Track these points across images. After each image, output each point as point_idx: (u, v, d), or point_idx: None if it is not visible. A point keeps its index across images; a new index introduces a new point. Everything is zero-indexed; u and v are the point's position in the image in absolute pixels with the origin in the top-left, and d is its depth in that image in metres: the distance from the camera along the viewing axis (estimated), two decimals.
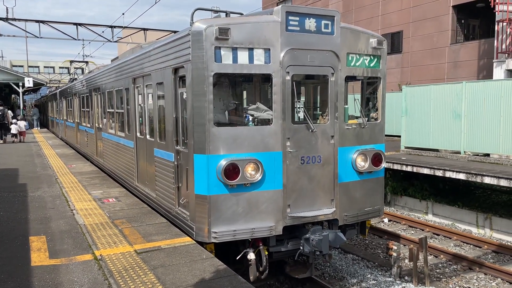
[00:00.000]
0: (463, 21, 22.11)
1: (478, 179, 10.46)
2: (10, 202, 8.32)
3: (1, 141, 21.35)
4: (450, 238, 10.61)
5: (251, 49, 5.77)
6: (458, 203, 12.16)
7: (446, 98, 13.19)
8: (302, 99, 7.49)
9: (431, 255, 9.38)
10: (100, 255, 5.43)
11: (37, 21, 24.91)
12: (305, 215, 6.21)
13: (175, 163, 6.64)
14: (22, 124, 22.50)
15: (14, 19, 24.24)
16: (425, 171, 11.74)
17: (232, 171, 5.69)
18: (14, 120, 22.58)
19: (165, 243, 5.84)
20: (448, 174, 11.14)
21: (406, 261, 9.02)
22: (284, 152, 6.02)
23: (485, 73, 19.97)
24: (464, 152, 12.87)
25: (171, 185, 6.82)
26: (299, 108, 6.47)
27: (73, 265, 5.11)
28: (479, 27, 22.94)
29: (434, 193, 12.81)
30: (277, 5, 5.98)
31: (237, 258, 6.15)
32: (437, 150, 13.86)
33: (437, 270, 8.81)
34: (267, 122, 6.11)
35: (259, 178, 5.82)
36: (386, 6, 25.34)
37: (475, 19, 22.57)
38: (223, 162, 5.67)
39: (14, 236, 6.25)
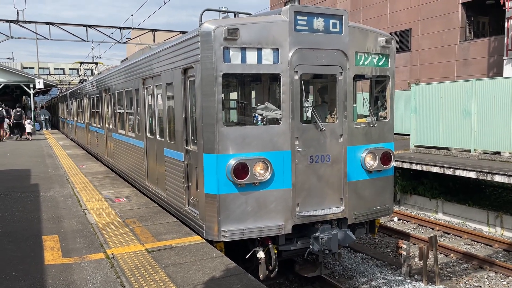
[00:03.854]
0: (472, 19, 21.93)
1: (489, 177, 10.39)
2: (23, 202, 8.45)
3: (17, 138, 24.15)
4: (460, 237, 10.55)
5: (259, 49, 5.80)
6: (469, 202, 12.08)
7: (456, 96, 13.11)
8: (311, 98, 7.51)
9: (441, 254, 9.34)
10: (112, 253, 5.50)
11: (47, 23, 25.18)
12: (314, 214, 6.23)
13: (185, 162, 6.69)
14: (31, 124, 24.99)
15: (25, 22, 24.52)
16: (435, 169, 11.68)
17: (241, 170, 5.73)
18: (28, 121, 24.61)
19: (176, 242, 5.90)
20: (458, 173, 11.07)
21: (416, 260, 8.99)
22: (293, 151, 6.05)
23: (495, 71, 19.78)
24: (475, 150, 12.78)
25: (181, 184, 6.88)
26: (307, 107, 6.49)
27: (86, 264, 5.19)
28: (488, 24, 22.73)
29: (444, 192, 12.74)
30: (285, 5, 6.00)
31: (247, 256, 6.19)
32: (447, 149, 13.77)
33: (447, 269, 8.77)
34: (275, 121, 6.14)
35: (268, 177, 5.85)
36: (394, 4, 25.21)
37: (484, 16, 22.37)
38: (232, 162, 5.71)
39: (27, 235, 6.36)
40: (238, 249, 6.30)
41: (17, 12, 23.90)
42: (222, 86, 5.76)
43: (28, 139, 23.70)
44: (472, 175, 10.75)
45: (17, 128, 24.47)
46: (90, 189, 9.70)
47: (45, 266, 5.14)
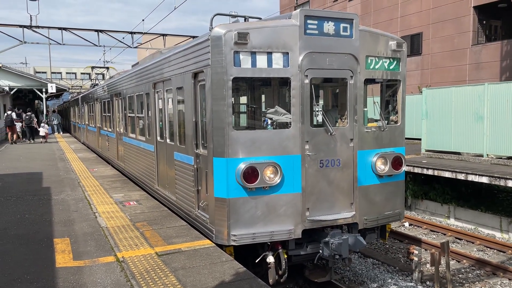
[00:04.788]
0: (484, 22, 21.73)
1: (502, 183, 10.24)
2: (35, 205, 8.54)
3: (28, 141, 24.76)
4: (473, 243, 10.40)
5: (269, 53, 5.80)
6: (481, 207, 11.92)
7: (468, 100, 12.97)
8: (321, 102, 7.49)
9: (453, 260, 9.21)
10: (122, 257, 5.52)
11: (59, 28, 25.49)
12: (324, 218, 6.19)
13: (195, 166, 6.71)
14: (45, 127, 25.85)
15: (38, 27, 24.85)
16: (447, 174, 11.56)
17: (251, 174, 5.72)
18: (42, 124, 25.54)
19: (186, 246, 5.91)
20: (471, 178, 10.93)
21: (428, 266, 8.88)
22: (303, 156, 6.02)
23: (508, 75, 19.56)
24: (487, 155, 12.61)
25: (191, 188, 6.89)
26: (317, 111, 6.47)
27: (96, 267, 5.21)
28: (501, 28, 22.51)
29: (456, 197, 12.59)
30: (295, 9, 5.99)
31: (257, 261, 6.16)
32: (458, 153, 13.62)
33: (460, 275, 8.65)
34: (285, 125, 6.13)
35: (278, 181, 5.83)
36: (405, 8, 25.09)
37: (496, 19, 22.16)
38: (242, 166, 5.71)
39: (39, 238, 6.42)
40: (247, 254, 6.29)
41: (30, 17, 24.24)
42: (232, 90, 5.77)
43: (47, 141, 24.65)
44: (484, 180, 10.61)
45: (29, 132, 25.18)
46: (101, 192, 9.77)
47: (56, 268, 5.17)
